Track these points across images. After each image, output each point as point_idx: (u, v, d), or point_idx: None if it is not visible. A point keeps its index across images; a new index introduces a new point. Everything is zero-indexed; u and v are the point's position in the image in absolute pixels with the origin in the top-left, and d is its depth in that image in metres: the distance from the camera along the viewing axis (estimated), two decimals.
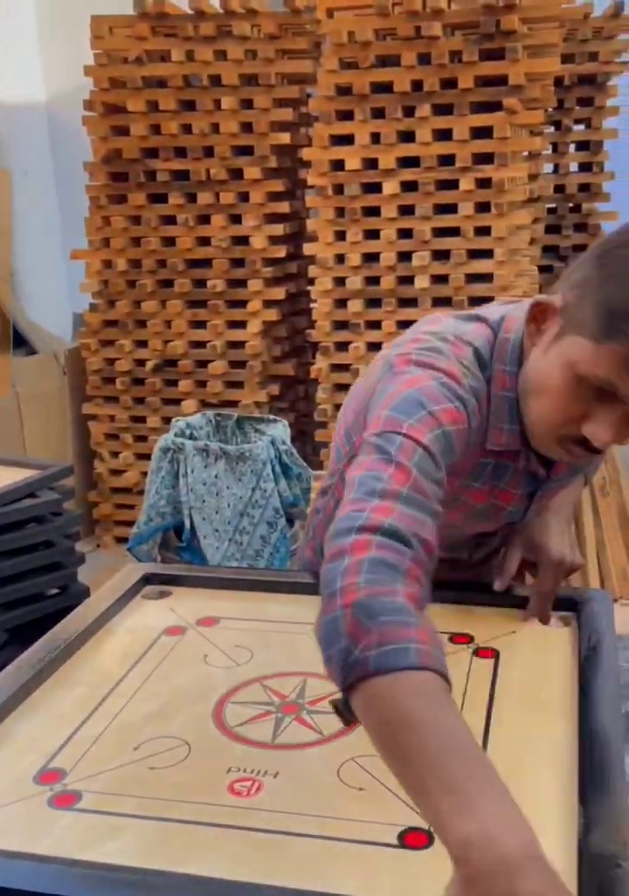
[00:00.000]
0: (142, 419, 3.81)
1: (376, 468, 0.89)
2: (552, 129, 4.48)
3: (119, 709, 1.03)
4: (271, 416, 2.30)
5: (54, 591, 2.30)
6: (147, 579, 1.34)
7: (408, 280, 3.44)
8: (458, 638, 1.19)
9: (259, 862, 0.80)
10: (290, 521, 2.14)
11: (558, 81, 3.93)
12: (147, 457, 3.73)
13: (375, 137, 3.38)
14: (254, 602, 1.30)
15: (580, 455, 1.02)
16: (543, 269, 4.30)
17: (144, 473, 3.76)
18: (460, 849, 0.66)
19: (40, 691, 1.07)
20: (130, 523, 3.84)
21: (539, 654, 1.16)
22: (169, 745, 0.96)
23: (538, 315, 1.00)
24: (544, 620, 1.22)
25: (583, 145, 4.48)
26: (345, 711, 0.80)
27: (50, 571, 2.26)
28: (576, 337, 0.94)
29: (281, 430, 2.17)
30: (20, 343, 4.20)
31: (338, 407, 3.58)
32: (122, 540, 3.78)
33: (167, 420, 3.73)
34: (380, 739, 0.76)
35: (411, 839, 0.83)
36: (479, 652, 1.16)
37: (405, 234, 3.42)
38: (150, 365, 3.75)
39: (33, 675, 1.07)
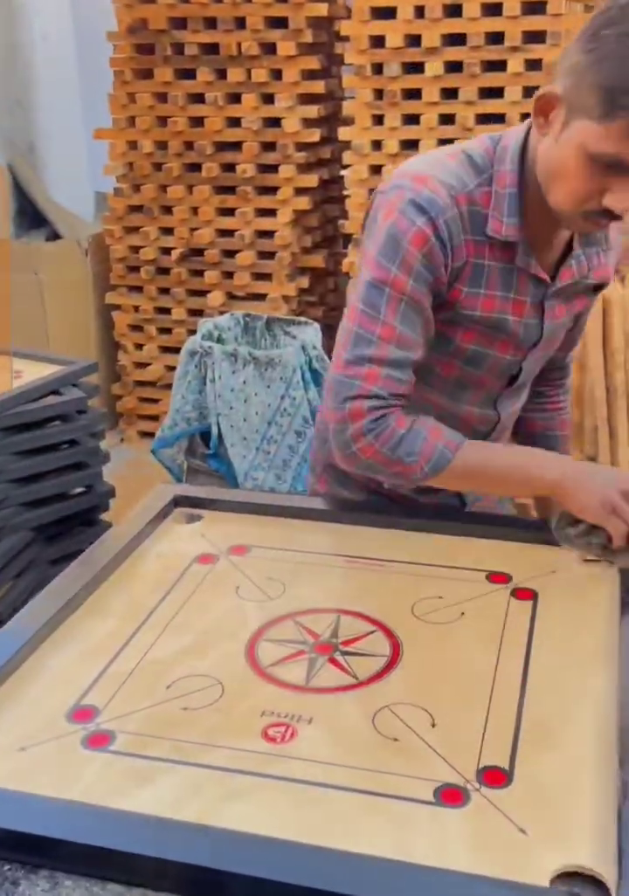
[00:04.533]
0: (167, 311, 3.72)
1: (366, 327, 1.14)
2: None
3: (151, 643, 1.02)
4: (302, 319, 2.22)
5: (79, 490, 2.30)
6: (177, 502, 1.31)
7: None
8: (496, 576, 1.16)
9: (294, 816, 0.79)
10: None
11: None
12: (172, 350, 3.69)
13: (419, 11, 3.14)
14: (285, 529, 1.27)
15: (605, 224, 1.14)
16: None
17: (169, 367, 3.72)
18: (558, 482, 1.16)
19: (71, 620, 1.05)
20: (155, 418, 3.83)
21: (580, 597, 1.12)
22: (202, 685, 0.95)
23: (544, 106, 1.08)
24: None
25: None
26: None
27: (75, 470, 2.25)
28: (582, 120, 1.03)
29: (312, 334, 2.09)
30: (42, 224, 4.08)
31: None
32: (146, 435, 3.76)
33: (193, 312, 3.65)
34: (476, 486, 1.27)
35: (447, 796, 0.82)
36: (518, 592, 1.12)
37: (447, 119, 3.23)
38: (175, 254, 3.64)
39: (65, 603, 1.06)
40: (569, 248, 1.22)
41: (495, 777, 0.84)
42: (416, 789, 0.82)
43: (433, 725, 0.90)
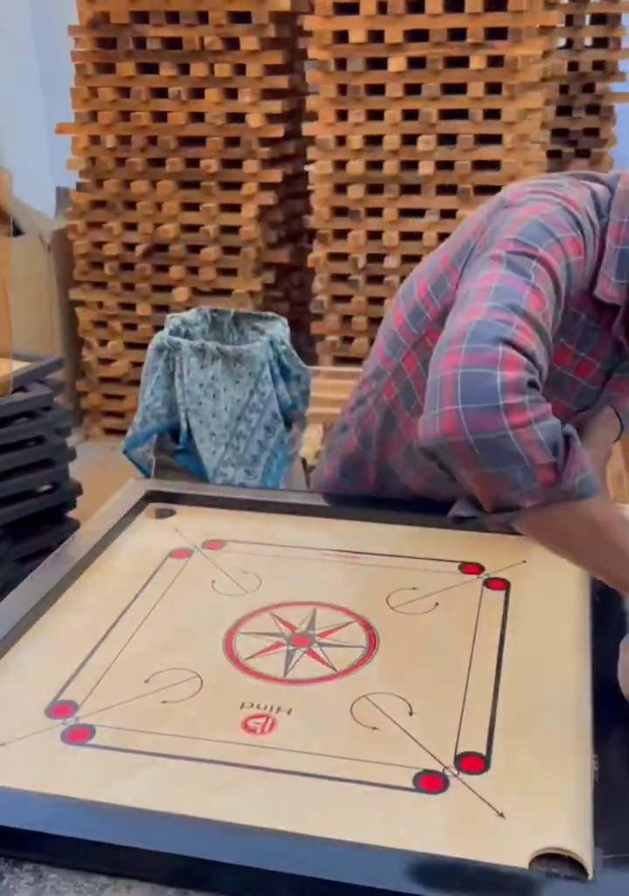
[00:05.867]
0: (131, 306, 3.70)
1: (513, 284, 0.88)
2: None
3: (128, 637, 1.01)
4: (270, 314, 2.22)
5: (46, 487, 2.28)
6: (149, 497, 1.31)
7: (412, 165, 3.29)
8: (468, 567, 1.17)
9: (276, 805, 0.79)
10: (288, 424, 2.10)
11: None
12: (137, 346, 3.66)
13: (382, 7, 3.16)
14: (260, 523, 1.27)
15: None
16: (551, 155, 4.13)
17: (134, 363, 3.68)
18: None
19: (46, 617, 1.04)
20: (120, 415, 3.79)
21: (551, 586, 1.14)
22: (180, 678, 0.95)
23: None
24: None
25: (599, 18, 4.22)
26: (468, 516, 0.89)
27: (41, 468, 2.23)
28: None
29: (280, 329, 2.09)
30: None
31: (335, 298, 3.51)
32: (111, 431, 3.73)
33: (158, 308, 3.63)
34: (589, 543, 0.89)
35: (426, 782, 0.83)
36: (491, 583, 1.14)
37: (410, 115, 3.25)
38: (139, 250, 3.61)
39: (39, 600, 1.05)
40: None
41: (473, 763, 0.85)
42: (396, 776, 0.83)
43: (411, 714, 0.91)
